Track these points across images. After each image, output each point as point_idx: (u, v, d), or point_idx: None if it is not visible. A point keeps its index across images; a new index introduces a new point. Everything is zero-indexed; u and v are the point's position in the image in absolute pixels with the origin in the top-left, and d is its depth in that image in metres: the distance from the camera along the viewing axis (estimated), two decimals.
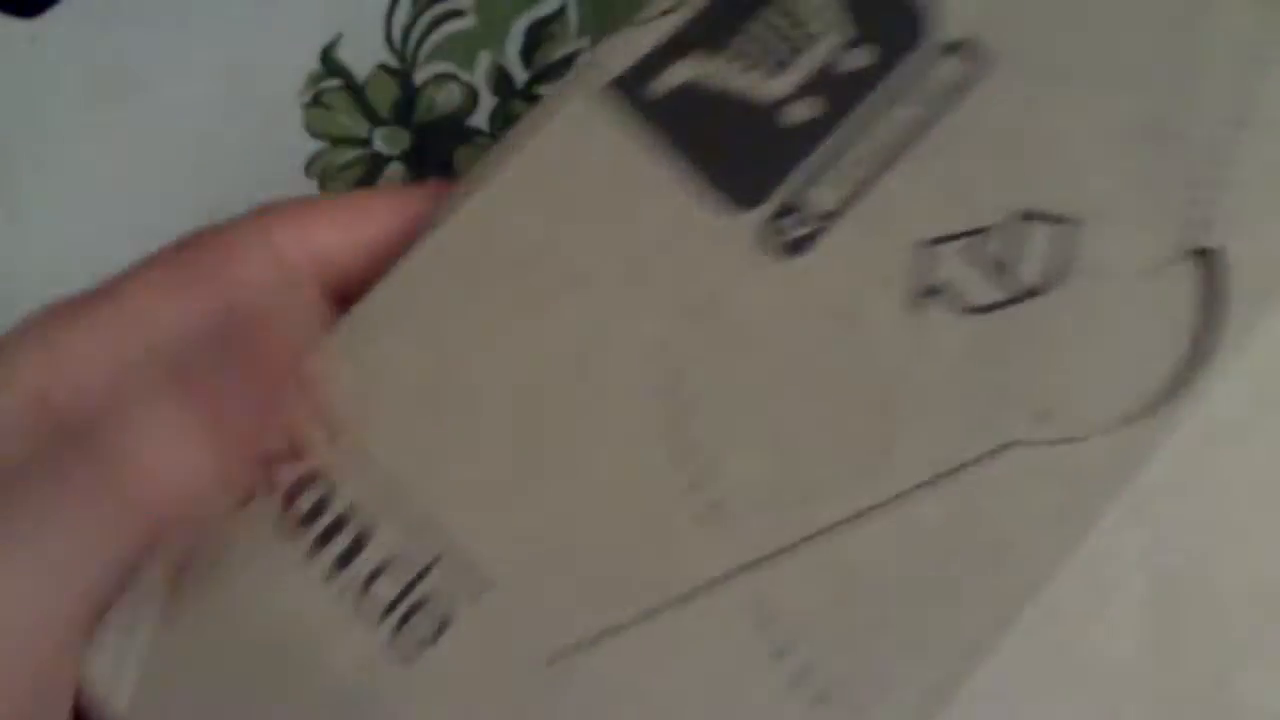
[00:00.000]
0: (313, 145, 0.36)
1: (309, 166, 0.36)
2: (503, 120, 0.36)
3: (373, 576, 0.20)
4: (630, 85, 0.22)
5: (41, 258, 0.36)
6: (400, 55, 0.37)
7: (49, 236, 0.36)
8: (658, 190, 0.22)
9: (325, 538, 0.20)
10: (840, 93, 0.22)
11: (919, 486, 0.20)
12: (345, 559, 0.20)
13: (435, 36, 0.37)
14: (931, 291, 0.21)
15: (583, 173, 0.22)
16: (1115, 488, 0.20)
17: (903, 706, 0.19)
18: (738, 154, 0.22)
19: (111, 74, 0.37)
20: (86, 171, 0.36)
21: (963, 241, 0.21)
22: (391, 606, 0.20)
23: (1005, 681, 0.19)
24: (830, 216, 0.21)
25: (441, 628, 0.20)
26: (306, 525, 0.20)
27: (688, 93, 0.22)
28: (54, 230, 0.36)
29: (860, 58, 0.22)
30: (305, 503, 0.21)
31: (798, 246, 0.21)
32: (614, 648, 0.20)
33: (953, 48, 0.22)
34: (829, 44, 0.22)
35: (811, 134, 0.22)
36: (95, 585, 0.19)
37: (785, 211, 0.22)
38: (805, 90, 0.22)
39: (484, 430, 0.21)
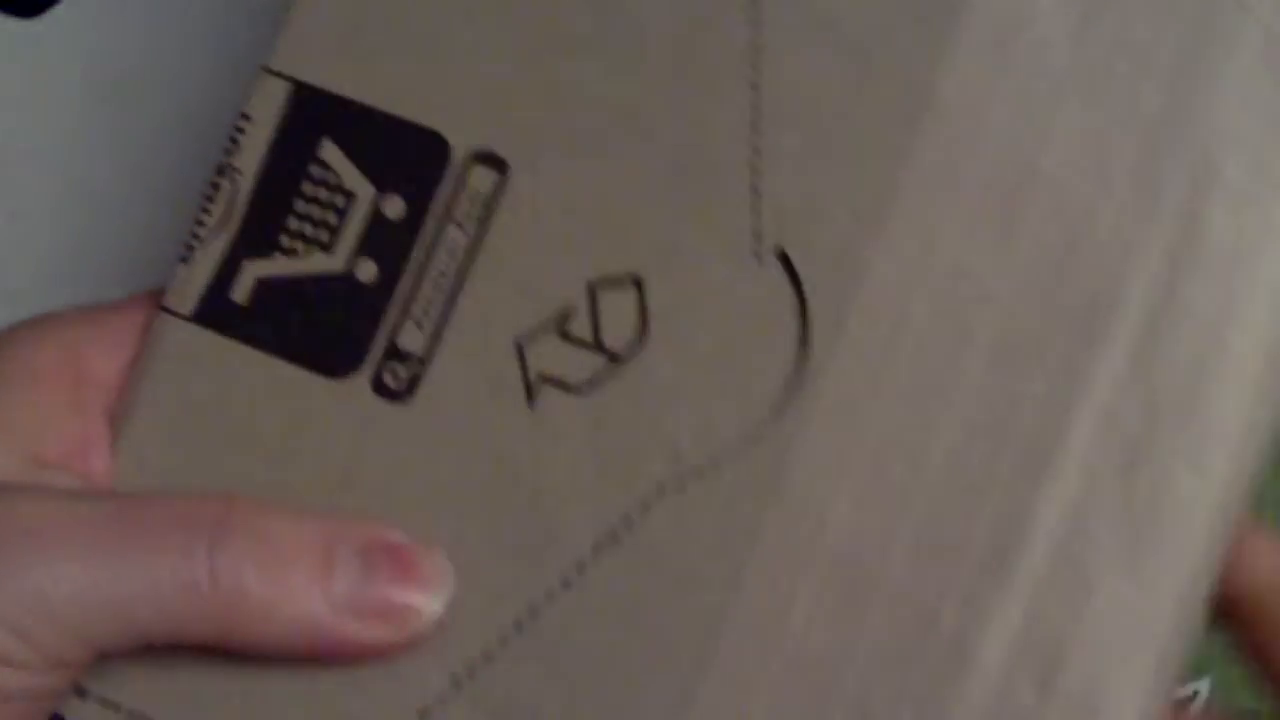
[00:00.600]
0: None
1: None
2: None
3: None
4: (208, 312, 0.24)
5: (41, 258, 0.36)
6: None
7: (49, 236, 0.36)
8: (276, 387, 0.24)
9: None
10: (394, 240, 0.24)
11: (592, 556, 0.22)
12: None
13: None
14: (541, 383, 0.23)
15: (208, 405, 0.24)
16: (768, 494, 0.22)
17: None
18: (326, 329, 0.24)
19: (111, 74, 0.37)
20: (86, 171, 0.36)
21: (550, 329, 0.23)
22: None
23: (732, 685, 0.22)
24: (427, 353, 0.23)
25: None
26: None
27: (264, 293, 0.24)
28: (54, 230, 0.36)
29: (397, 203, 0.24)
30: None
31: (409, 390, 0.23)
32: None
33: (476, 159, 0.24)
34: (366, 199, 0.24)
35: (386, 286, 0.24)
36: (35, 441, 0.22)
37: (385, 365, 0.23)
38: (362, 249, 0.24)
39: None
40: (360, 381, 0.23)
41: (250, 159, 0.24)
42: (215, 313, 0.24)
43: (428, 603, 0.22)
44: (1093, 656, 0.21)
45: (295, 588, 0.21)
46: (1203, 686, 0.42)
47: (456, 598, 0.22)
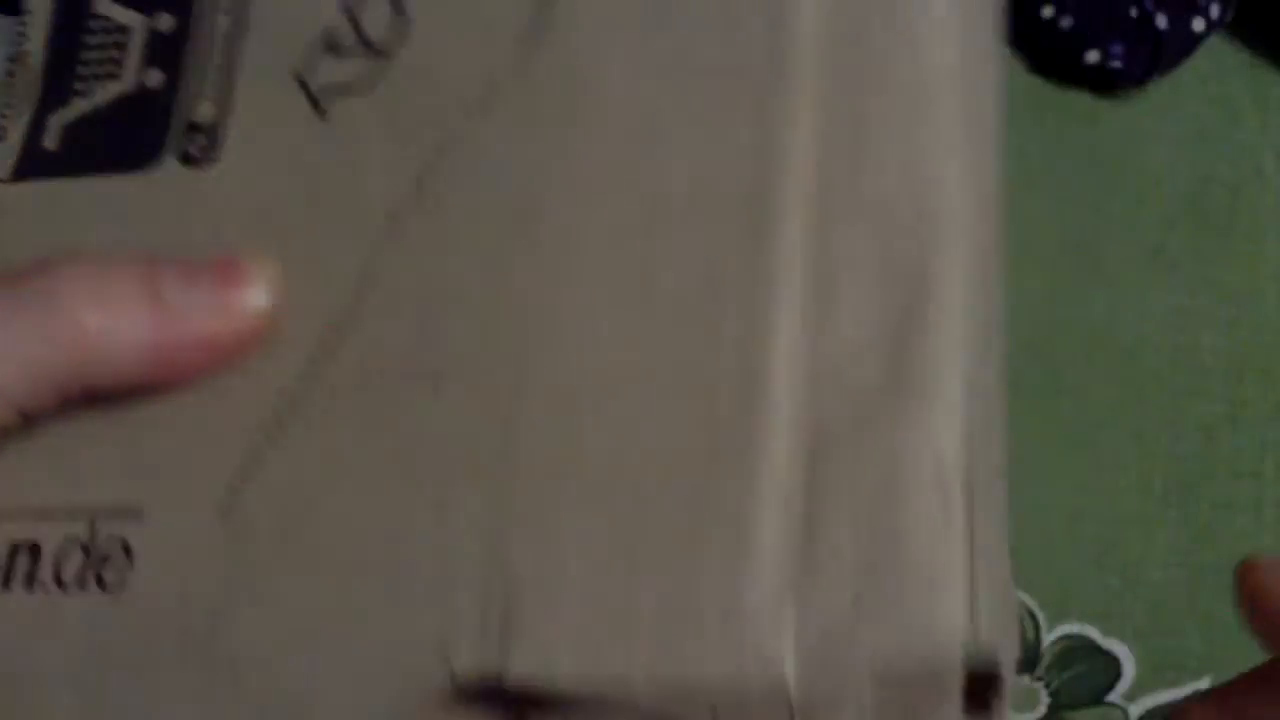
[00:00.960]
0: None
1: None
2: None
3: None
4: (25, 168, 0.27)
5: None
6: None
7: None
8: (96, 198, 0.26)
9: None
10: (170, 46, 0.27)
11: (402, 211, 0.24)
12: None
13: None
14: (325, 95, 0.25)
15: (40, 245, 0.25)
16: (558, 115, 0.23)
17: None
18: (129, 136, 0.26)
19: None
20: None
21: (320, 50, 0.25)
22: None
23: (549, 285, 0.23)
24: (221, 118, 0.26)
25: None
26: None
27: (70, 132, 0.27)
28: None
29: (166, 18, 0.27)
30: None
31: (213, 151, 0.25)
32: None
33: None
34: (139, 26, 0.27)
35: (172, 83, 0.26)
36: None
37: (186, 140, 0.26)
38: (145, 64, 0.27)
39: None
40: (168, 163, 0.26)
41: (36, 39, 0.27)
42: (31, 164, 0.27)
43: (255, 293, 0.23)
44: None
45: (125, 299, 0.22)
46: (1203, 685, 0.42)
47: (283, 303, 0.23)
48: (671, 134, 0.23)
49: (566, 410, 0.21)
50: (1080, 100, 0.49)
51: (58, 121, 0.27)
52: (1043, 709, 0.42)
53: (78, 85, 0.27)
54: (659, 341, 0.21)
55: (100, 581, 0.22)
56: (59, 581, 0.23)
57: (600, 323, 0.22)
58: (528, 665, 0.20)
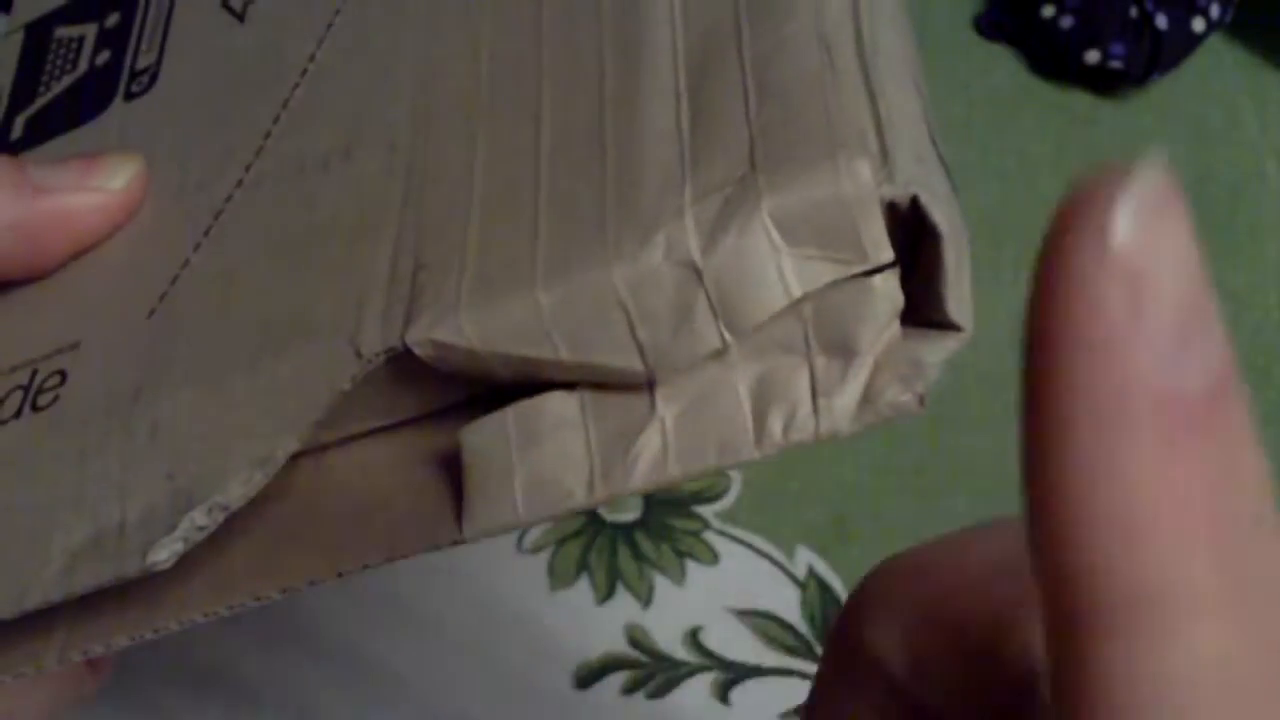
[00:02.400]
0: None
1: None
2: None
3: None
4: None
5: None
6: None
7: None
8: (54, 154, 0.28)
9: None
10: (117, 32, 0.29)
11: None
12: None
13: None
14: (246, 6, 0.27)
15: None
16: None
17: None
18: (82, 102, 0.28)
19: None
20: None
21: None
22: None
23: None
24: (160, 56, 0.28)
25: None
26: None
27: (32, 121, 0.29)
28: None
29: (114, 16, 0.29)
30: None
31: (151, 83, 0.28)
32: None
33: None
34: (92, 33, 0.29)
35: (118, 56, 0.29)
36: None
37: (130, 83, 0.28)
38: (97, 52, 0.29)
39: None
40: (115, 103, 0.28)
41: (5, 78, 0.30)
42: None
43: (114, 175, 0.25)
44: None
45: None
46: None
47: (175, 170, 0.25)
48: None
49: (464, 127, 0.22)
50: (1080, 100, 0.49)
51: (22, 118, 0.29)
52: None
53: (39, 89, 0.29)
54: (546, 50, 0.22)
55: (34, 405, 0.23)
56: None
57: (484, 50, 0.23)
58: (430, 326, 0.19)
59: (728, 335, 0.18)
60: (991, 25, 0.50)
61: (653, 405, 0.19)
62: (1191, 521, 0.11)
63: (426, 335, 0.19)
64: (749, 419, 0.19)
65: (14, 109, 0.29)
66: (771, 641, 0.39)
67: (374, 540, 0.20)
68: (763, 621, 0.39)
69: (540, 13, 0.23)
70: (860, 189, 0.18)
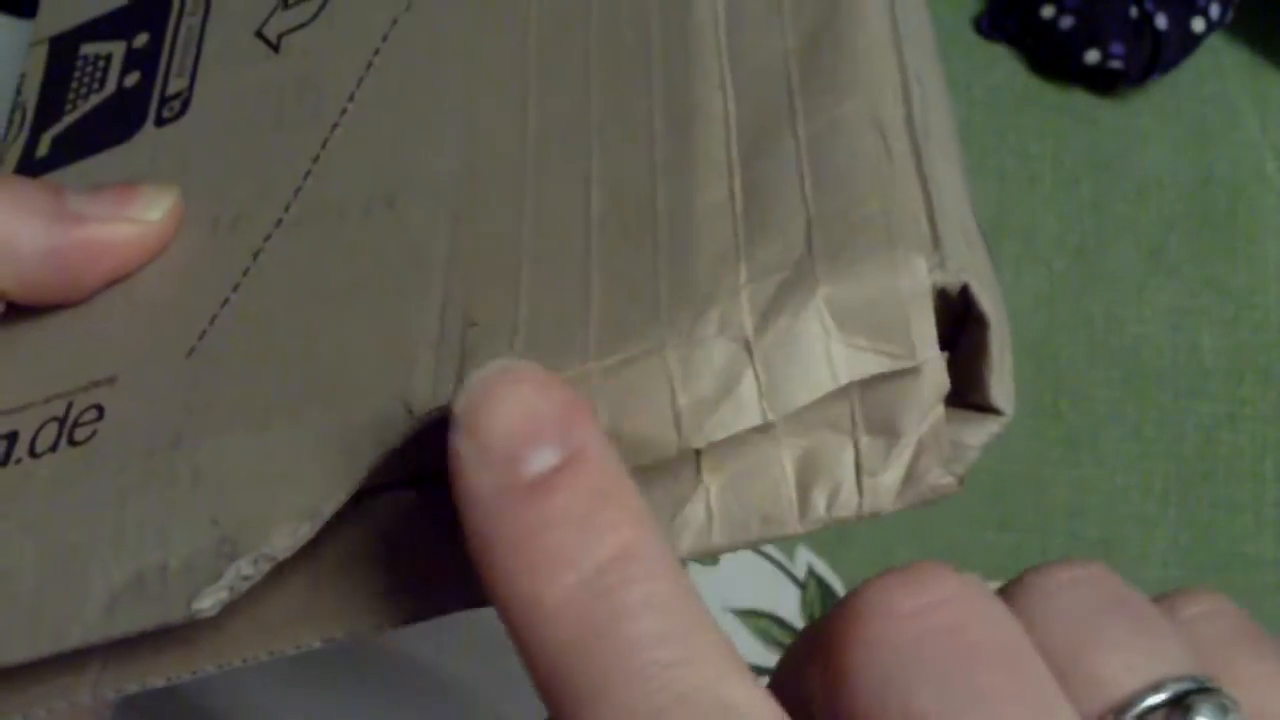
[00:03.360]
0: None
1: None
2: None
3: None
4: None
5: None
6: None
7: None
8: (85, 176, 0.28)
9: None
10: (147, 53, 0.29)
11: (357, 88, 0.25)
12: None
13: None
14: (280, 38, 0.27)
15: None
16: None
17: None
18: (112, 124, 0.28)
19: None
20: None
21: (276, 7, 0.27)
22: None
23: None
24: (191, 82, 0.28)
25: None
26: None
27: (59, 140, 0.29)
28: None
29: (143, 36, 0.29)
30: None
31: (183, 110, 0.27)
32: None
33: None
34: (120, 51, 0.29)
35: (149, 78, 0.28)
36: None
37: (161, 108, 0.28)
38: (125, 72, 0.29)
39: None
40: (146, 128, 0.28)
41: (31, 91, 0.30)
42: (23, 172, 0.28)
43: (149, 207, 0.25)
44: None
45: (30, 205, 0.24)
46: None
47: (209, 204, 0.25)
48: None
49: (513, 184, 0.22)
50: (1080, 100, 0.49)
51: (48, 136, 0.29)
52: None
53: (66, 106, 0.29)
54: (595, 110, 0.22)
55: (71, 440, 0.23)
56: (33, 453, 0.23)
57: (532, 106, 0.23)
58: None
59: (770, 413, 0.18)
60: (991, 25, 0.50)
61: (699, 474, 0.19)
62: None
63: None
64: (793, 493, 0.19)
65: (40, 126, 0.29)
66: (771, 641, 0.39)
67: (416, 594, 0.20)
68: (763, 621, 0.39)
69: (589, 70, 0.23)
70: (916, 285, 0.18)
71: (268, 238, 0.24)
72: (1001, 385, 0.19)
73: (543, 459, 0.16)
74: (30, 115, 0.29)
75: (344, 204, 0.23)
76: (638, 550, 0.16)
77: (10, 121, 0.29)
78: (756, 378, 0.18)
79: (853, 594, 0.17)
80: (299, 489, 0.20)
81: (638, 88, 0.22)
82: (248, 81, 0.27)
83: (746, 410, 0.18)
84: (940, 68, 0.22)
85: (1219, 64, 0.49)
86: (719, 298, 0.19)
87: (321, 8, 0.27)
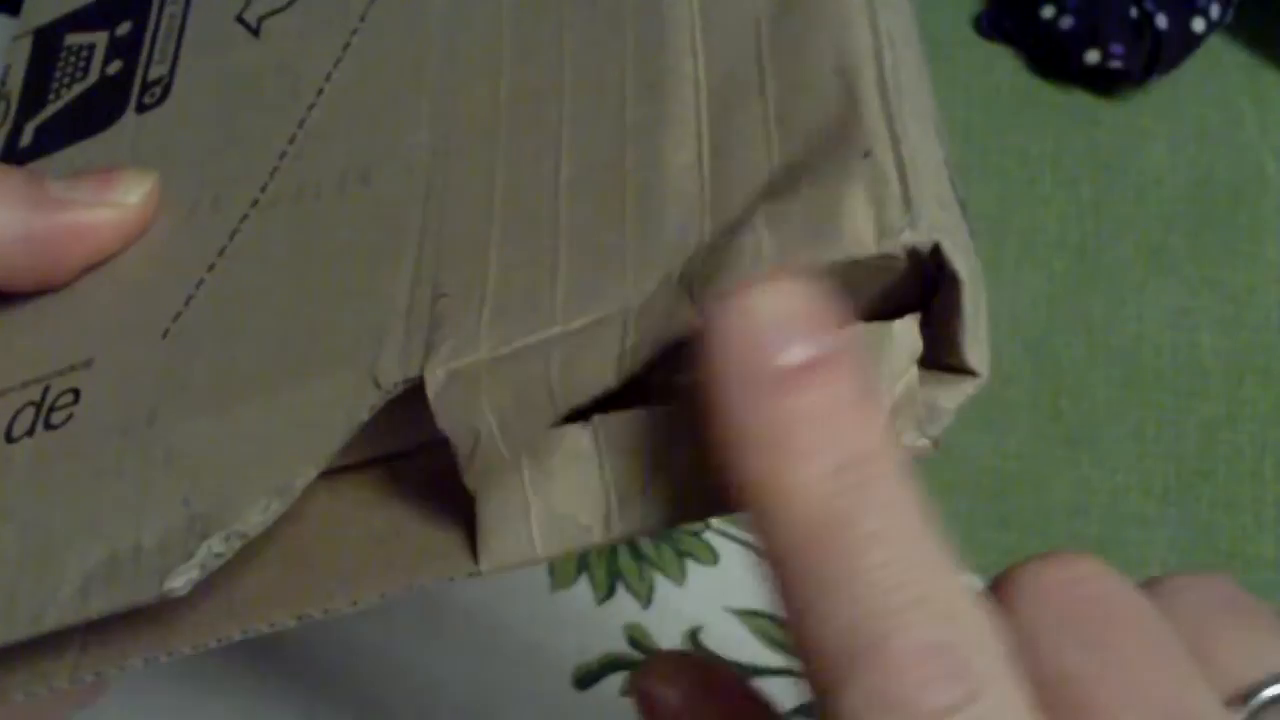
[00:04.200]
0: None
1: None
2: None
3: None
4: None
5: None
6: None
7: None
8: (69, 163, 0.28)
9: None
10: (129, 42, 0.29)
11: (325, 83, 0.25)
12: None
13: None
14: (260, 21, 0.27)
15: None
16: None
17: None
18: (93, 112, 0.28)
19: None
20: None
21: None
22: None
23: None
24: (171, 70, 0.28)
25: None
26: None
27: (42, 129, 0.29)
28: None
29: (125, 25, 0.29)
30: None
31: (164, 97, 0.28)
32: None
33: None
34: (103, 40, 0.29)
35: (130, 66, 0.29)
36: None
37: (142, 95, 0.28)
38: (108, 61, 0.29)
39: None
40: (127, 115, 0.28)
41: (15, 82, 0.30)
42: (6, 161, 0.28)
43: (127, 191, 0.25)
44: None
45: (10, 190, 0.25)
46: None
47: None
48: None
49: (485, 155, 0.22)
50: (1080, 100, 0.49)
51: (31, 125, 0.29)
52: None
53: (49, 96, 0.29)
54: (568, 79, 0.22)
55: (48, 424, 0.23)
56: (9, 438, 0.23)
57: (505, 77, 0.23)
58: (449, 357, 0.19)
59: None
60: (991, 25, 0.50)
61: (670, 439, 0.19)
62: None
63: (444, 367, 0.19)
64: None
65: (23, 116, 0.29)
66: (771, 641, 0.39)
67: (389, 570, 0.20)
68: (763, 621, 0.39)
69: (561, 39, 0.23)
70: (874, 227, 0.18)
71: (244, 218, 0.24)
72: (976, 346, 0.19)
73: (801, 352, 0.17)
74: (14, 106, 0.30)
75: (319, 182, 0.24)
76: (881, 453, 0.17)
77: None
78: None
79: (1010, 568, 0.18)
80: (270, 466, 0.20)
81: (610, 54, 0.22)
82: (228, 66, 0.27)
83: None
84: (915, 30, 0.22)
85: (1219, 64, 0.49)
86: (683, 258, 0.19)
87: None
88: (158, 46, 0.29)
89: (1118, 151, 0.48)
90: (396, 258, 0.21)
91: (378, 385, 0.20)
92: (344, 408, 0.20)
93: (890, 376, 0.19)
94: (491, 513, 0.20)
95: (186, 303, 0.23)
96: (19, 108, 0.29)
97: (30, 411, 0.23)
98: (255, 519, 0.20)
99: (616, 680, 0.39)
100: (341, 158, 0.24)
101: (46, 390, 0.24)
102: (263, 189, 0.24)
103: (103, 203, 0.25)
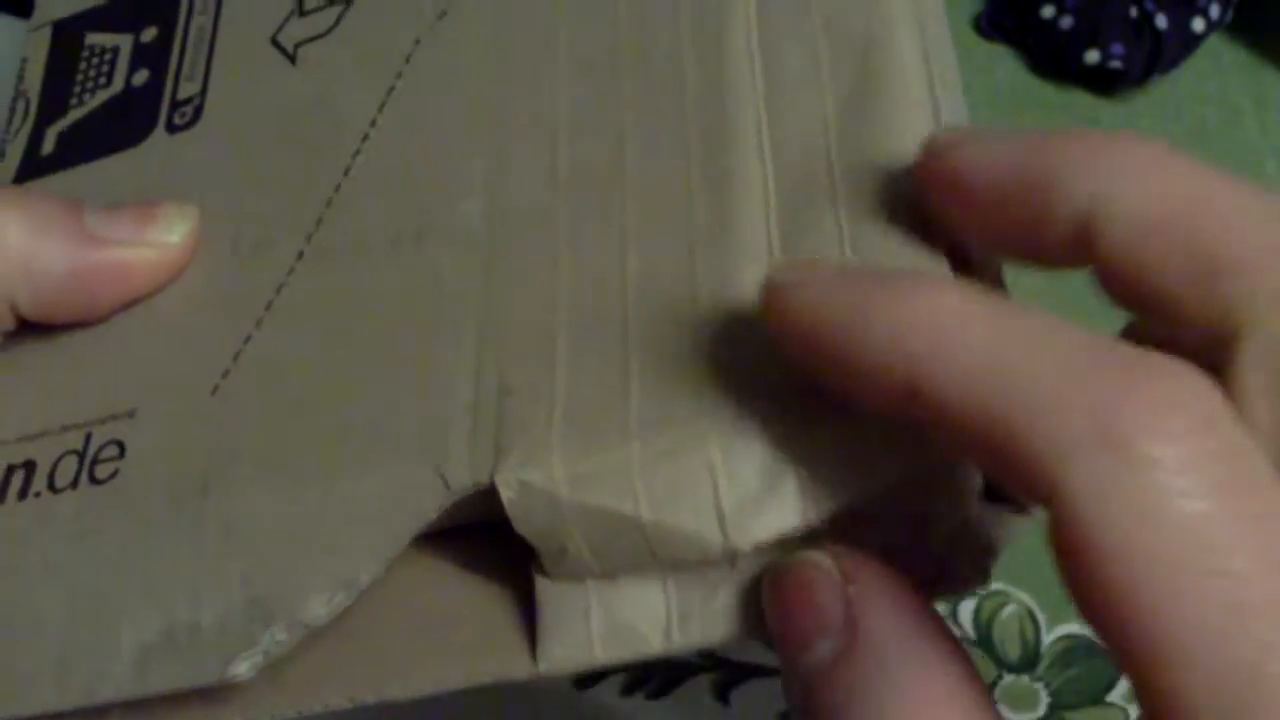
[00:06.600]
0: None
1: None
2: None
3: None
4: (24, 173, 0.28)
5: None
6: None
7: None
8: (94, 177, 0.27)
9: None
10: (155, 50, 0.28)
11: (379, 114, 0.25)
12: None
13: None
14: (298, 48, 0.27)
15: None
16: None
17: None
18: (121, 123, 0.28)
19: None
20: None
21: (293, 14, 0.27)
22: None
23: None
24: (203, 89, 0.27)
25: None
26: None
27: (65, 136, 0.28)
28: None
29: (151, 30, 0.29)
30: None
31: (196, 117, 0.27)
32: None
33: None
34: (127, 44, 0.29)
35: (158, 78, 0.28)
36: None
37: (172, 113, 0.27)
38: (133, 69, 0.28)
39: None
40: (156, 134, 0.27)
41: (34, 79, 0.29)
42: (29, 169, 0.28)
43: (168, 230, 0.25)
44: None
45: (50, 224, 0.24)
46: None
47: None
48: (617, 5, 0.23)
49: (546, 236, 0.21)
50: (1080, 100, 0.49)
51: (53, 131, 0.28)
52: (1043, 709, 0.42)
53: (71, 100, 0.29)
54: (630, 164, 0.22)
55: (93, 477, 0.23)
56: (52, 488, 0.23)
57: (562, 150, 0.22)
58: (520, 465, 0.19)
59: (814, 514, 0.18)
60: (991, 25, 0.50)
61: (733, 562, 0.19)
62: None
63: (516, 475, 0.19)
64: None
65: (44, 119, 0.29)
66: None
67: (446, 660, 0.20)
68: None
69: (621, 118, 0.22)
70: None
71: (290, 270, 0.24)
72: None
73: (824, 649, 0.17)
74: (34, 106, 0.29)
75: (369, 239, 0.23)
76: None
77: (12, 111, 0.29)
78: (798, 474, 0.18)
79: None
80: (334, 555, 0.20)
81: (674, 143, 0.21)
82: (263, 93, 0.26)
83: (788, 510, 0.18)
84: (965, 109, 0.22)
85: (1219, 64, 0.49)
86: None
87: (339, 19, 0.26)
88: (187, 60, 0.28)
89: None
90: (456, 339, 0.21)
91: (447, 486, 0.20)
92: (412, 506, 0.20)
93: (949, 515, 0.19)
94: (553, 612, 0.20)
95: (235, 359, 0.23)
96: (39, 110, 0.29)
97: (73, 461, 0.23)
98: (320, 611, 0.20)
99: (616, 680, 0.39)
100: (392, 215, 0.23)
101: (88, 439, 0.23)
102: (308, 238, 0.24)
103: (143, 241, 0.24)
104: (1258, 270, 0.17)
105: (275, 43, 0.27)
